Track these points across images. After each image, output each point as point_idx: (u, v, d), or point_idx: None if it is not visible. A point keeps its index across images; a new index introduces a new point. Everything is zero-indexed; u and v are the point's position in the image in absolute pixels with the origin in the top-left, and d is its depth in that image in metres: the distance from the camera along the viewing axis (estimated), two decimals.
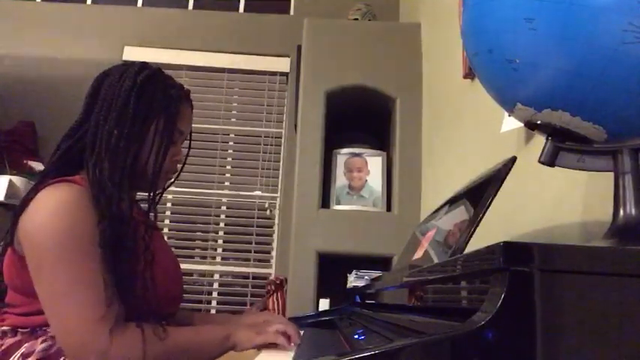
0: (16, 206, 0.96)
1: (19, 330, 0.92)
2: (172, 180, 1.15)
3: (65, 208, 0.89)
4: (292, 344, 0.98)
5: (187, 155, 1.18)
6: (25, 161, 2.64)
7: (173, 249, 1.24)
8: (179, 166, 1.15)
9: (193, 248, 2.90)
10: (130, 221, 0.94)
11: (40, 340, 0.90)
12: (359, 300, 1.46)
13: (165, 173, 1.07)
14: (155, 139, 1.02)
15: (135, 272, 0.92)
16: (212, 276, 2.82)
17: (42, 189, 0.93)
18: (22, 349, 0.89)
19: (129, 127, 0.99)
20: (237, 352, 0.98)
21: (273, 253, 2.81)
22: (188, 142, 1.18)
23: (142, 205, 1.13)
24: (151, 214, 1.04)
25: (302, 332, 1.20)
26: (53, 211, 0.89)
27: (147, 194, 1.05)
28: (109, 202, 0.92)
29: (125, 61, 2.80)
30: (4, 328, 0.94)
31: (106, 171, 0.95)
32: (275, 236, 2.82)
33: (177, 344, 0.93)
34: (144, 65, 1.06)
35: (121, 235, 0.91)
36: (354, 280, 1.60)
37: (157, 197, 1.14)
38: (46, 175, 0.99)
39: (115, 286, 0.89)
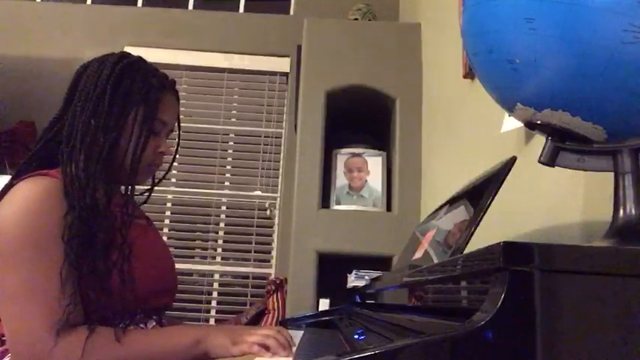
0: None
1: (5, 339, 0.89)
2: (164, 174, 1.12)
3: (28, 205, 0.87)
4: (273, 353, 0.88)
5: (177, 148, 1.15)
6: None
7: (173, 249, 1.22)
8: (169, 161, 1.11)
9: (193, 248, 2.90)
10: (106, 213, 0.92)
11: None
12: (359, 300, 1.46)
13: (148, 165, 1.04)
14: (134, 129, 0.99)
15: (111, 265, 0.90)
16: (212, 276, 2.82)
17: (16, 184, 0.91)
18: (6, 359, 0.87)
19: (105, 117, 0.96)
20: (235, 353, 0.93)
21: (273, 253, 2.80)
22: (177, 134, 1.14)
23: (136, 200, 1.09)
24: (131, 205, 1.00)
25: (302, 332, 1.20)
26: (16, 208, 0.87)
27: (145, 188, 1.03)
28: (83, 193, 0.89)
29: None
30: None
31: (81, 162, 0.92)
32: (275, 236, 2.82)
33: (134, 348, 0.87)
34: (123, 54, 1.04)
35: (93, 228, 0.89)
36: (354, 280, 1.60)
37: (149, 191, 1.11)
38: (23, 169, 0.97)
39: (79, 283, 0.86)
